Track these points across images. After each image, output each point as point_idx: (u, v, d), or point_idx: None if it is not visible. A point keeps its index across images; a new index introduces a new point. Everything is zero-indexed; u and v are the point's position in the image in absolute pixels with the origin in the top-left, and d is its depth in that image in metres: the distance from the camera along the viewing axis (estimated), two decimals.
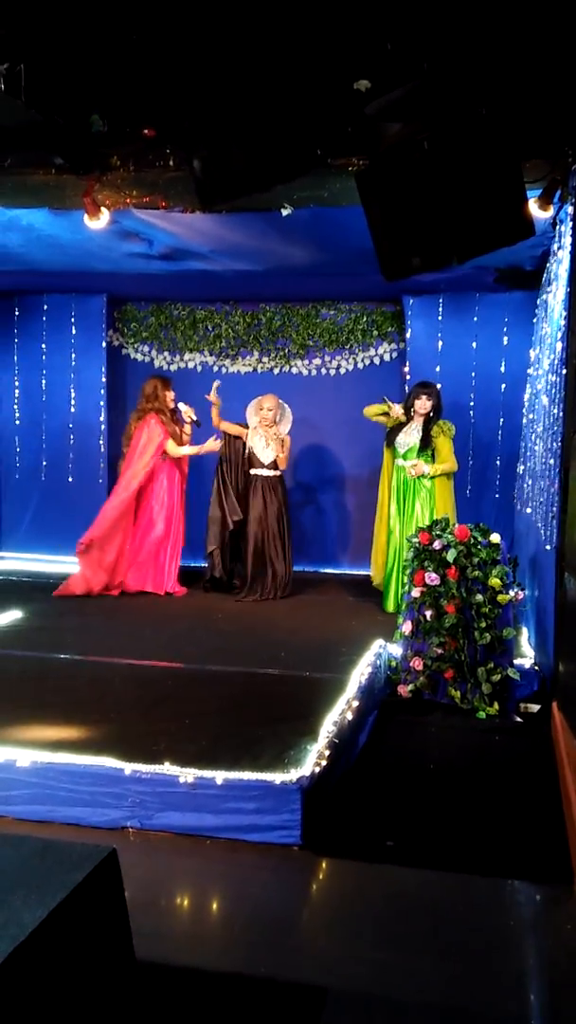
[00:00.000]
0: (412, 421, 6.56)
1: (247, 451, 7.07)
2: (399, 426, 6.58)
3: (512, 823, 3.52)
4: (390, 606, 6.54)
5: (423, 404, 6.53)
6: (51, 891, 1.89)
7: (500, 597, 4.81)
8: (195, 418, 7.14)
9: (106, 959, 2.07)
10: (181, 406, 7.11)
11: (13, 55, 3.91)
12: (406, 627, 5.07)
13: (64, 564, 8.17)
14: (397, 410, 6.60)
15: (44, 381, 8.63)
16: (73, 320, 8.49)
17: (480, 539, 4.95)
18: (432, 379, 7.19)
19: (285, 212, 5.14)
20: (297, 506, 8.25)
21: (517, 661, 5.00)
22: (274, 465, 7.08)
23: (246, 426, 7.11)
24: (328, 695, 4.28)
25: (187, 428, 7.15)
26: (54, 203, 5.43)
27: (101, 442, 8.46)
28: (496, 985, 2.51)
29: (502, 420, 7.76)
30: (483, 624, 4.81)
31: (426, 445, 6.47)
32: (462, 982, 2.52)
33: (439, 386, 6.85)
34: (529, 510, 6.05)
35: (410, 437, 6.53)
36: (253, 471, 7.08)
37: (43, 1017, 1.77)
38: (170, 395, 7.09)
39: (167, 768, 3.40)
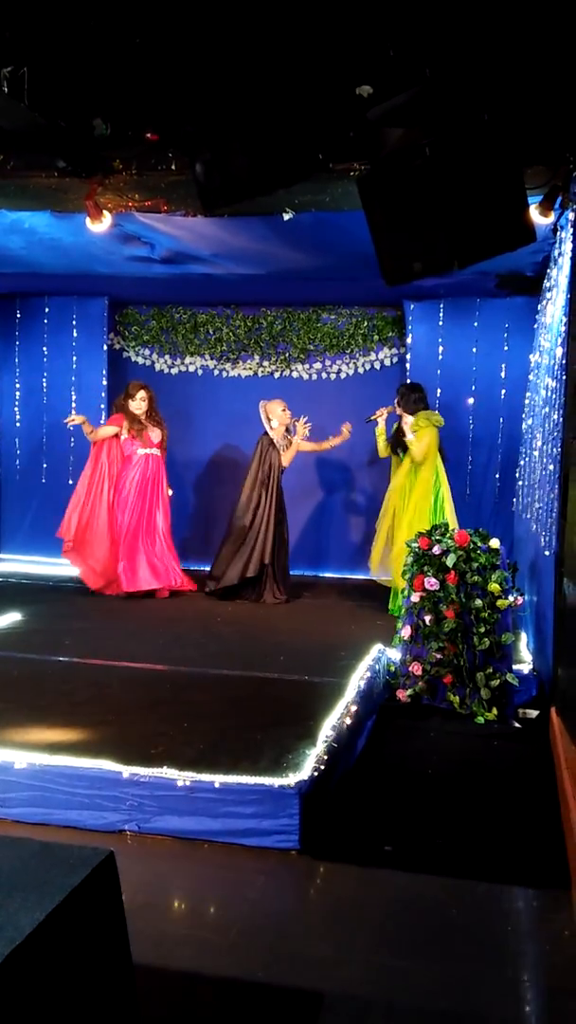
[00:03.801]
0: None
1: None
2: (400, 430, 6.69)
3: (510, 828, 3.51)
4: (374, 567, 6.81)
5: (396, 407, 6.77)
6: (48, 893, 1.88)
7: (499, 602, 4.81)
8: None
9: (103, 962, 2.06)
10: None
11: (16, 58, 3.92)
12: (405, 632, 5.07)
13: (63, 566, 8.18)
14: (381, 412, 6.86)
15: (45, 383, 8.63)
16: (74, 323, 8.50)
17: (480, 544, 4.95)
18: (432, 383, 7.22)
19: (287, 216, 5.15)
20: (297, 510, 8.25)
21: (516, 666, 5.01)
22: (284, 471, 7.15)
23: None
24: (327, 699, 4.28)
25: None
26: (56, 206, 5.43)
27: None
28: (493, 990, 2.51)
29: (502, 425, 7.77)
30: (482, 629, 4.81)
31: (400, 437, 6.65)
32: (459, 987, 2.52)
33: (420, 384, 6.90)
34: (529, 515, 6.05)
35: (391, 436, 6.81)
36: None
37: (40, 1020, 1.76)
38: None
39: (165, 771, 3.40)
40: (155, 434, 7.17)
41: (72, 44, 3.98)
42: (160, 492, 7.21)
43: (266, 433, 7.11)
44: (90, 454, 7.26)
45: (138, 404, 7.10)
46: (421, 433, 6.45)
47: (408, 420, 6.54)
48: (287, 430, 7.14)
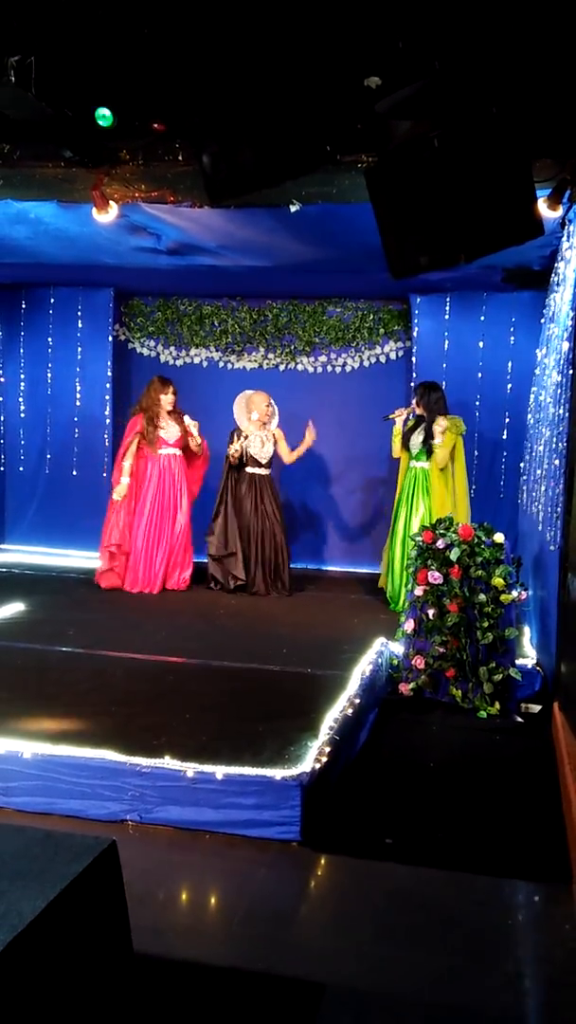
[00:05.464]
0: (423, 421, 6.62)
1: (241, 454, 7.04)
2: (413, 428, 6.64)
3: (511, 822, 3.52)
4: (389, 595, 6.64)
5: (415, 406, 6.68)
6: (51, 882, 1.89)
7: (503, 597, 4.81)
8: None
9: (104, 951, 2.07)
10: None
11: (24, 48, 3.91)
12: (408, 625, 5.07)
13: (67, 557, 8.20)
14: (400, 412, 6.75)
15: (50, 374, 8.62)
16: (80, 314, 8.49)
17: (484, 538, 4.94)
18: (438, 378, 7.19)
19: (293, 208, 5.13)
20: (300, 503, 8.25)
21: (519, 661, 5.00)
22: (269, 463, 7.11)
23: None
24: (329, 692, 4.29)
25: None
26: (63, 196, 5.42)
27: (105, 436, 8.45)
28: (494, 982, 2.51)
29: (508, 420, 7.76)
30: (485, 623, 4.80)
31: (429, 442, 6.48)
32: (460, 979, 2.52)
33: (438, 383, 6.84)
34: (534, 510, 6.04)
35: (419, 437, 6.58)
36: (250, 470, 7.07)
37: (41, 1008, 1.77)
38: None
39: (167, 762, 3.41)
40: (171, 432, 7.06)
41: (79, 34, 3.97)
42: (179, 494, 7.08)
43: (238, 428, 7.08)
44: (128, 468, 7.08)
45: (170, 398, 7.07)
46: (448, 439, 6.40)
47: (442, 424, 6.39)
48: (264, 424, 7.11)
